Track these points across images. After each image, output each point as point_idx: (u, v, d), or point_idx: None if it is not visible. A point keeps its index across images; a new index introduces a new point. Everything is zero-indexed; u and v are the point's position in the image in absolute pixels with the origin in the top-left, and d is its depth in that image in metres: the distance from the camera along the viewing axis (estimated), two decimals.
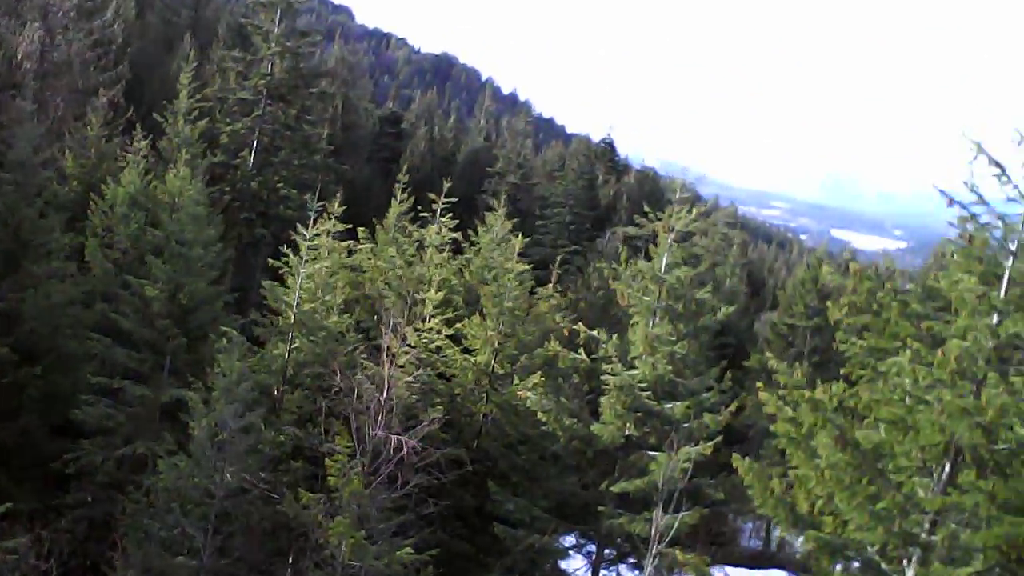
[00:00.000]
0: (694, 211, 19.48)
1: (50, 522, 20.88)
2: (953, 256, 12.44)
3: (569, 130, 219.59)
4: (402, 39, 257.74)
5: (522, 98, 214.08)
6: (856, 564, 11.58)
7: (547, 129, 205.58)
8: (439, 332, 20.67)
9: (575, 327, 19.85)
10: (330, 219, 28.87)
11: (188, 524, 18.79)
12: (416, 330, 20.61)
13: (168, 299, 23.35)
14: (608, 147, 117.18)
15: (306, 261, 20.45)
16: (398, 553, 16.23)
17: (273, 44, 46.70)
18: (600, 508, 19.39)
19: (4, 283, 23.54)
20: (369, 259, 30.03)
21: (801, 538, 12.11)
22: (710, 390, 19.87)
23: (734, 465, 12.58)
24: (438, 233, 28.71)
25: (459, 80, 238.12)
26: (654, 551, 17.52)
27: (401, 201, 31.73)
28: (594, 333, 19.74)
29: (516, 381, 21.10)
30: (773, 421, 18.78)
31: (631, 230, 59.86)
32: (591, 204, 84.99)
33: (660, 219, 21.08)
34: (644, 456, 19.21)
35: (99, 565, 22.48)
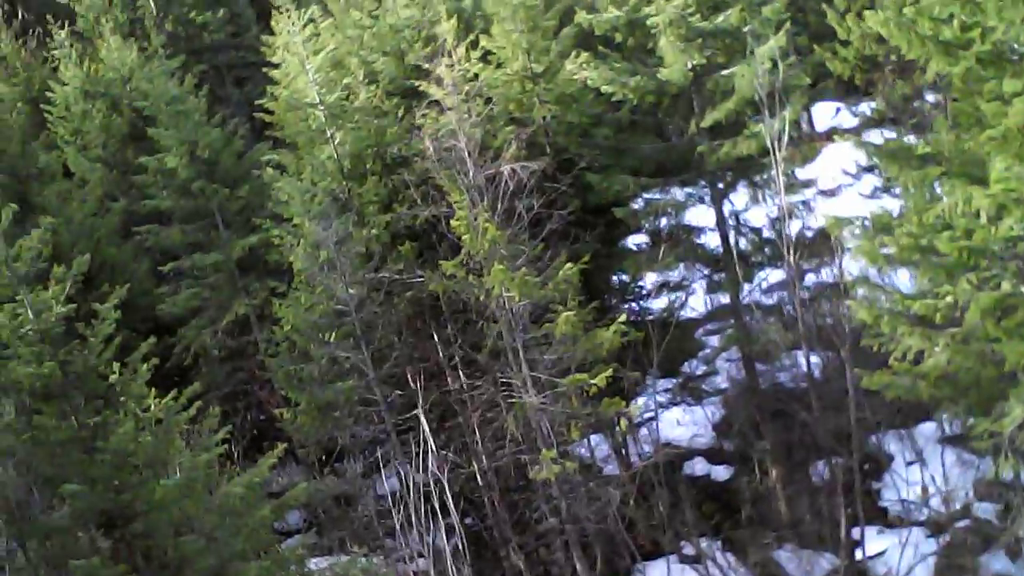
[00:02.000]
0: None
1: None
2: None
3: None
4: None
5: None
6: None
7: None
8: (470, 59, 19.76)
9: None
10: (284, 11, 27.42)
11: (338, 348, 18.67)
12: (449, 67, 19.70)
13: (189, 161, 22.42)
14: None
15: (309, 54, 19.40)
16: (558, 272, 16.08)
17: None
18: (699, 149, 19.02)
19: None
20: (334, 35, 28.55)
21: None
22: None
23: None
24: None
25: None
26: (778, 158, 17.27)
27: None
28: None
29: (559, 71, 20.36)
30: None
31: None
32: None
33: None
34: (720, 80, 18.65)
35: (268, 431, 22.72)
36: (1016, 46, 11.46)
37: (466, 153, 16.81)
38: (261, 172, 21.52)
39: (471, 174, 16.68)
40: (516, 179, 16.54)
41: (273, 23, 27.21)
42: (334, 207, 19.16)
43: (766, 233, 21.15)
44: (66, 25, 31.61)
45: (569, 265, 16.36)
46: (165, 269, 23.01)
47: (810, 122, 36.24)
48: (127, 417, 11.45)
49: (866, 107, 24.90)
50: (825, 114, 34.36)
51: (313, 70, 19.45)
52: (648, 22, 18.31)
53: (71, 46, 30.88)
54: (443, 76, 17.80)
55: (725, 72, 18.76)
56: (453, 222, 16.47)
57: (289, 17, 19.76)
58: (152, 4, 43.49)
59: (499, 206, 16.64)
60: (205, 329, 23.28)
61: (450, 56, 18.21)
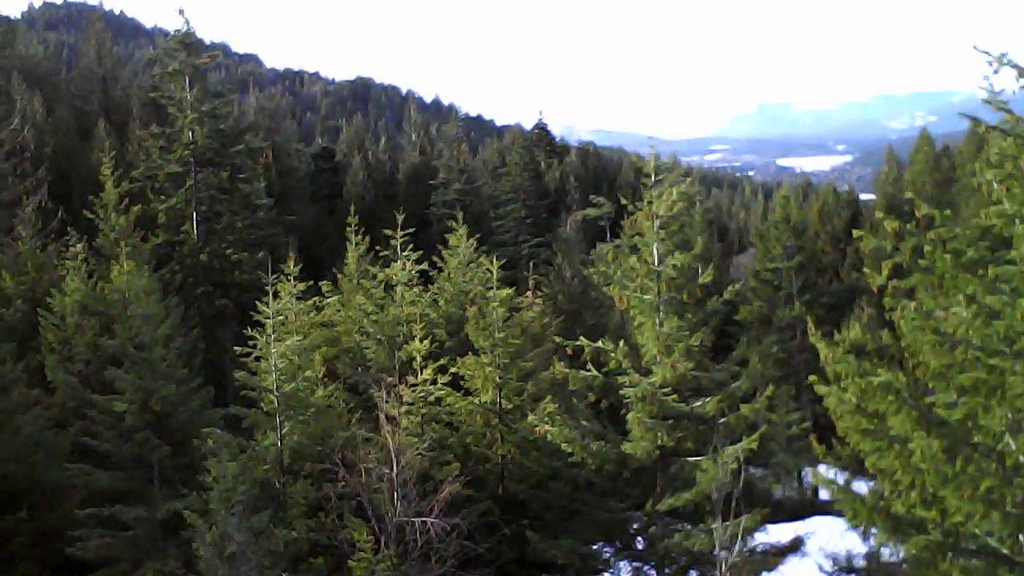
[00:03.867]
0: (675, 191, 18.05)
1: None
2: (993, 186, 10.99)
3: (499, 123, 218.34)
4: (314, 73, 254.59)
5: (446, 103, 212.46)
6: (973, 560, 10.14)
7: (478, 127, 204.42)
8: (435, 382, 19.12)
9: (579, 342, 18.31)
10: (289, 280, 27.45)
11: None
12: (411, 386, 19.03)
13: (140, 409, 21.70)
14: (543, 131, 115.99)
15: (276, 339, 18.83)
16: None
17: (189, 111, 45.12)
18: (651, 529, 17.93)
19: None
20: (339, 311, 28.57)
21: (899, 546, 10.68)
22: (737, 377, 18.42)
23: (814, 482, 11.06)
24: (403, 269, 27.23)
25: (380, 100, 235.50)
26: (726, 566, 16.10)
27: (356, 244, 30.15)
28: (599, 344, 18.22)
29: (528, 414, 19.61)
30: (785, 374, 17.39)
31: (591, 212, 58.63)
32: (540, 193, 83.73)
33: (633, 204, 19.66)
34: (686, 465, 17.75)
35: None
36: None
37: (395, 487, 15.82)
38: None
39: (389, 516, 15.64)
40: (429, 532, 15.45)
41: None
42: (260, 499, 18.14)
43: None
44: (84, 239, 32.14)
45: None
46: (81, 514, 21.78)
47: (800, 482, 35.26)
48: None
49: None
50: None
51: (276, 355, 18.81)
52: (621, 392, 17.63)
53: (84, 260, 31.14)
54: (403, 395, 17.10)
55: (692, 459, 17.88)
56: (351, 562, 15.32)
57: (266, 303, 19.27)
58: (193, 233, 44.85)
59: (412, 549, 15.49)
60: None
61: (414, 376, 17.55)
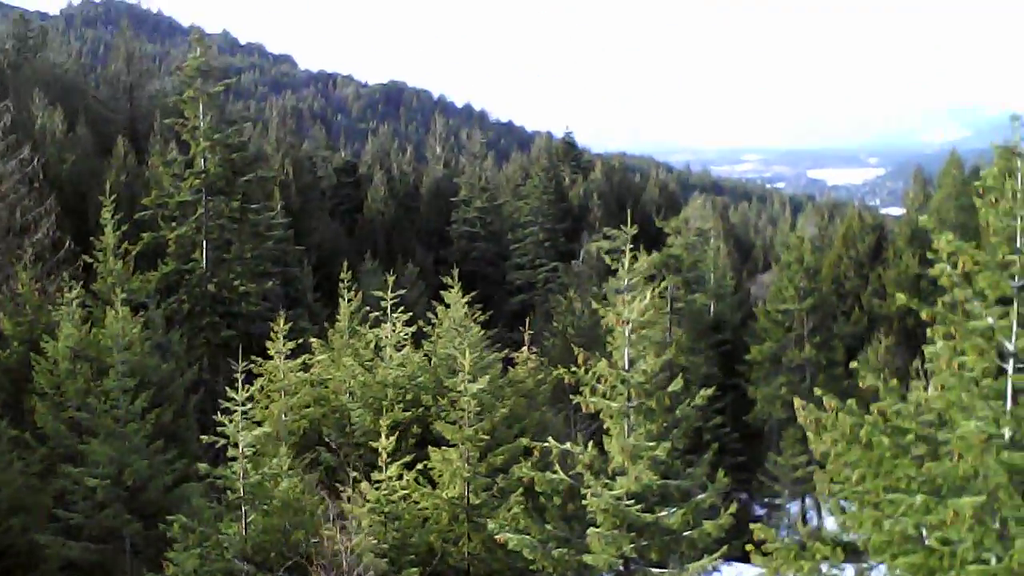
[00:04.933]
0: (648, 295, 17.70)
1: None
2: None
3: (530, 128, 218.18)
4: (348, 76, 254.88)
5: (477, 108, 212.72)
6: None
7: (507, 134, 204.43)
8: (400, 477, 18.86)
9: (546, 444, 18.02)
10: (279, 339, 27.31)
11: None
12: (375, 484, 18.78)
13: (113, 484, 21.60)
14: (569, 145, 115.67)
15: (243, 430, 18.62)
16: None
17: (202, 140, 45.05)
18: None
19: None
20: (328, 368, 28.40)
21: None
22: (705, 489, 18.06)
23: None
24: (393, 331, 27.07)
25: (411, 104, 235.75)
26: None
27: (350, 300, 29.94)
28: (567, 447, 17.92)
29: (497, 506, 19.34)
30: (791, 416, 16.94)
31: (604, 244, 58.09)
32: (561, 215, 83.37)
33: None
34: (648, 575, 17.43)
35: None
36: None
37: None
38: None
39: None
40: None
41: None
42: None
43: None
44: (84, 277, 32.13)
45: None
46: None
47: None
48: None
49: None
50: None
51: (244, 443, 18.59)
52: (584, 502, 17.32)
53: (80, 303, 31.09)
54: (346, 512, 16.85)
55: (655, 571, 17.54)
56: None
57: (236, 389, 18.98)
58: (203, 261, 44.90)
59: None
60: None
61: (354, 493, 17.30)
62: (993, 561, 9.65)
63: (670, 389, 17.63)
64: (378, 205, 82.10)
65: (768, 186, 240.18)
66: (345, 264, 30.43)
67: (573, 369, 18.09)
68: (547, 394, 31.63)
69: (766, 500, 53.26)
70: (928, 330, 10.81)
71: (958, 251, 10.40)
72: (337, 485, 21.25)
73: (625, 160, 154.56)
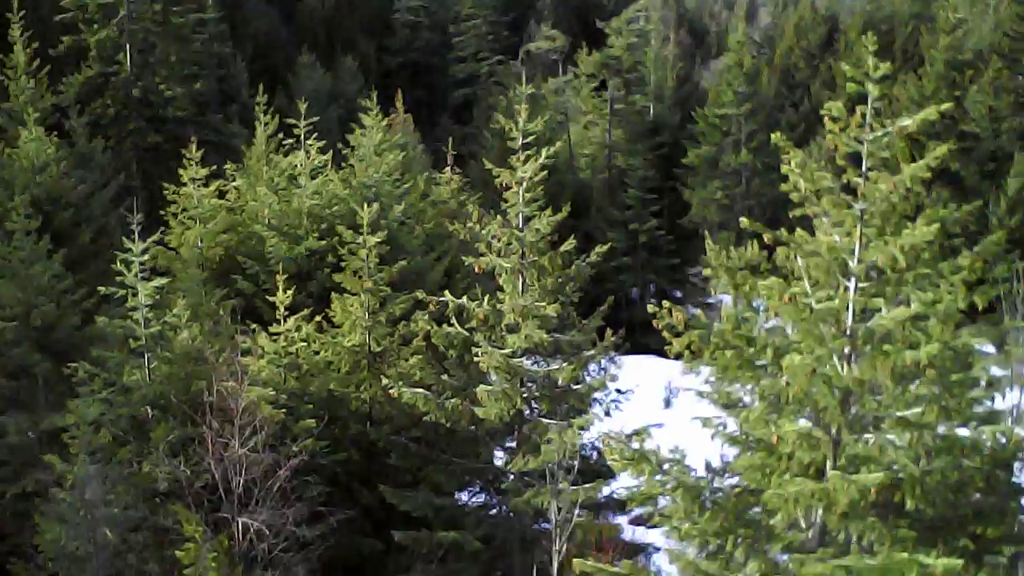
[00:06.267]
0: (542, 153, 17.54)
1: None
2: None
3: None
4: None
5: None
6: None
7: None
8: (299, 328, 19.07)
9: (443, 297, 18.23)
10: (193, 165, 26.94)
11: None
12: (272, 335, 19.01)
13: (21, 323, 21.67)
14: None
15: (143, 279, 18.64)
16: None
17: None
18: (503, 485, 18.37)
19: None
20: (245, 195, 28.18)
21: None
22: (595, 345, 18.47)
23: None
24: (307, 158, 26.73)
25: None
26: (558, 536, 16.54)
27: (266, 124, 29.38)
28: (463, 301, 18.16)
29: (398, 355, 19.69)
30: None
31: (542, 44, 57.11)
32: (505, 6, 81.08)
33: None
34: (539, 427, 17.99)
35: None
36: None
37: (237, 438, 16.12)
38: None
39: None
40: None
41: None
42: (127, 436, 18.46)
43: None
44: None
45: None
46: None
47: None
48: None
49: None
50: None
51: (144, 294, 18.64)
52: (476, 359, 17.71)
53: None
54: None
55: (545, 421, 18.13)
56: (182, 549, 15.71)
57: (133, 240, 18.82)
58: (127, 65, 43.66)
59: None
60: None
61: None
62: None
63: (562, 249, 17.80)
64: None
65: None
66: (260, 87, 29.55)
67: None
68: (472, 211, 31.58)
69: (699, 300, 54.37)
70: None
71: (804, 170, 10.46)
72: (246, 324, 21.56)
73: None
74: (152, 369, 19.12)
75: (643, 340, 49.94)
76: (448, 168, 32.26)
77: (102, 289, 19.42)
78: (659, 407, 36.06)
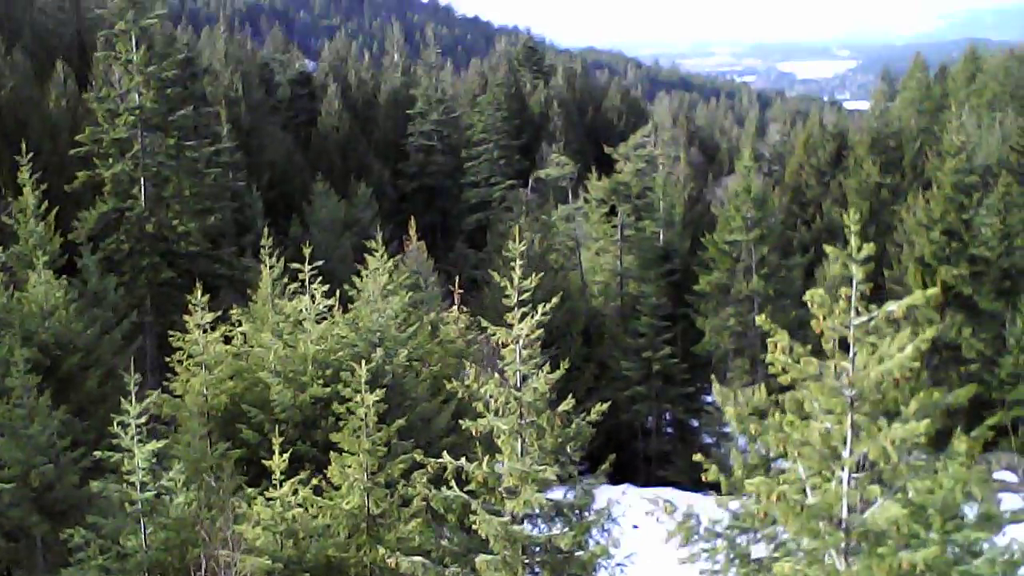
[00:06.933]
0: (539, 310, 17.40)
1: None
2: None
3: (497, 23, 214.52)
4: None
5: (442, 2, 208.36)
6: None
7: (473, 29, 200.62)
8: (295, 493, 18.78)
9: (441, 460, 17.93)
10: (199, 310, 26.88)
11: None
12: (267, 500, 18.73)
13: (19, 484, 21.45)
14: (531, 49, 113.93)
15: (139, 441, 18.44)
16: None
17: (136, 74, 43.97)
18: None
19: None
20: (251, 339, 28.14)
21: None
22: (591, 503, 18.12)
23: None
24: (312, 303, 26.76)
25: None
26: None
27: (272, 267, 29.45)
28: (462, 462, 17.84)
29: (398, 516, 19.32)
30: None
31: (552, 172, 57.56)
32: (517, 131, 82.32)
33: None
34: None
35: None
36: None
37: None
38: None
39: None
40: None
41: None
42: None
43: None
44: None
45: None
46: None
47: None
48: None
49: None
50: None
51: (140, 458, 18.43)
52: (474, 525, 17.35)
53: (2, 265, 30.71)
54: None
55: None
56: None
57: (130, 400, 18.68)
58: (141, 199, 44.10)
59: None
60: None
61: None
62: None
63: (560, 409, 17.53)
64: (332, 119, 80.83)
65: (738, 79, 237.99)
66: (266, 230, 29.62)
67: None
68: (479, 353, 31.59)
69: (715, 428, 53.69)
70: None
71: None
72: (246, 478, 21.30)
73: (594, 55, 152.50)
74: (148, 535, 18.83)
75: (659, 472, 49.49)
76: (455, 307, 32.24)
77: (99, 453, 19.19)
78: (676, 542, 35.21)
